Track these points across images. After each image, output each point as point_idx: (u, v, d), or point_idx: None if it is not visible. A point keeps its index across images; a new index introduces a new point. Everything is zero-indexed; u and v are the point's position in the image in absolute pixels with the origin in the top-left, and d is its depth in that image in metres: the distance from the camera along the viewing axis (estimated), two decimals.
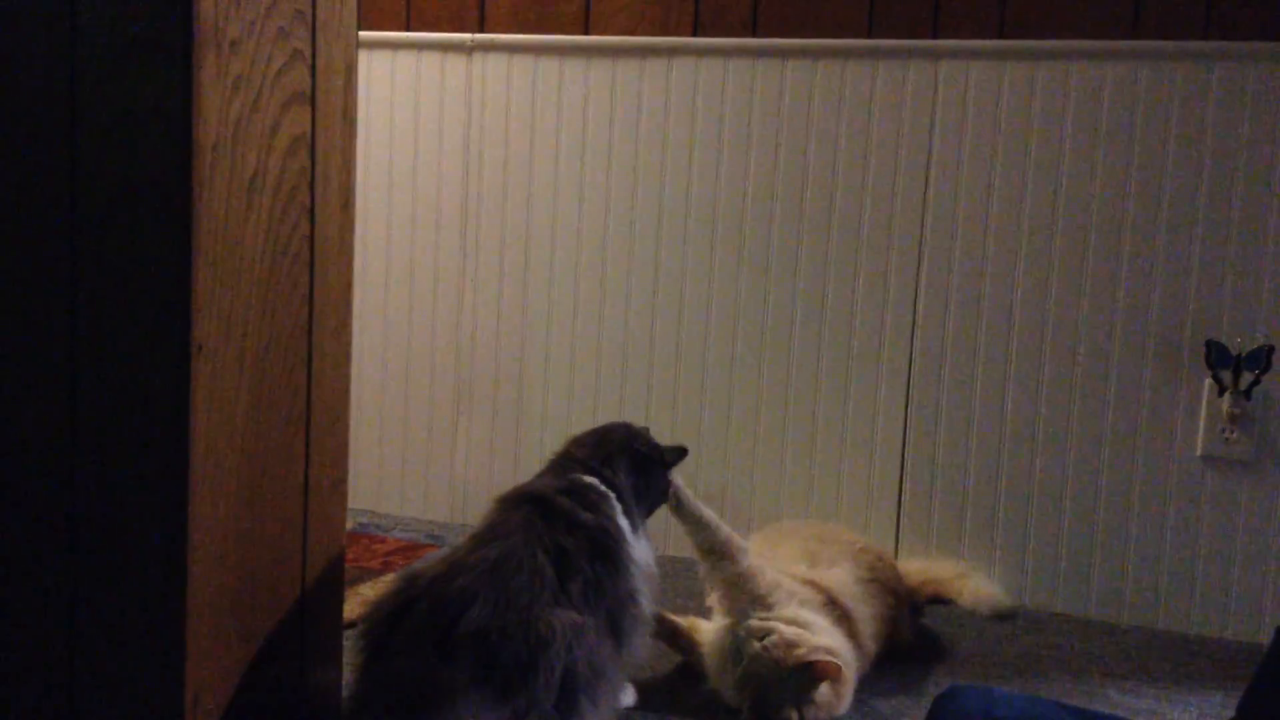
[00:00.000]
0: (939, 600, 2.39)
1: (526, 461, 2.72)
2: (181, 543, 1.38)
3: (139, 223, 1.39)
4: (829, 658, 1.79)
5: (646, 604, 1.69)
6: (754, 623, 1.84)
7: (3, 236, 1.45)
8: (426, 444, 2.80)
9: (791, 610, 1.89)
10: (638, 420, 2.62)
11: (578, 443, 1.86)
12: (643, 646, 1.72)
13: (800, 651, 1.78)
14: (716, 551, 1.90)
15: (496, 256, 2.72)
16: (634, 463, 1.82)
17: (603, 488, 1.75)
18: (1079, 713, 0.91)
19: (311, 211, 1.59)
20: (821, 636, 1.83)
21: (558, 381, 2.69)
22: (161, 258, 1.38)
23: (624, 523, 1.73)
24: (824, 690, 1.79)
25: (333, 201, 1.64)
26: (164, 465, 1.39)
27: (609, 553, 1.64)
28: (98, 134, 1.40)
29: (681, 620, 2.02)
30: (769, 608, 1.87)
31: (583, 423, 2.67)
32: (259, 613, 1.55)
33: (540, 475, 1.80)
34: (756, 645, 1.80)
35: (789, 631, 1.81)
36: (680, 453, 1.88)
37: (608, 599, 1.60)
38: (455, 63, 2.72)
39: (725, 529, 1.93)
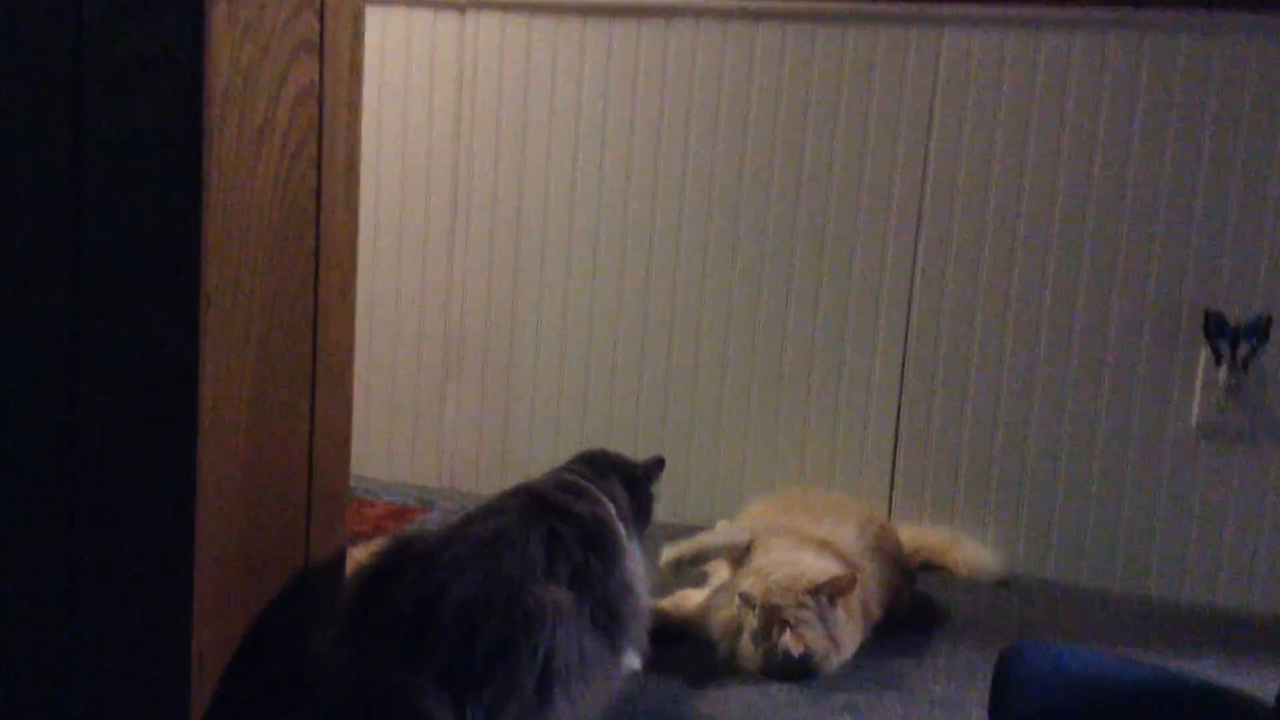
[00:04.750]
0: (931, 567, 2.39)
1: (516, 425, 2.69)
2: (190, 501, 1.35)
3: (147, 171, 1.35)
4: (839, 571, 1.86)
5: (645, 594, 1.67)
6: (746, 587, 1.87)
7: (4, 186, 1.40)
8: (414, 408, 2.76)
9: (785, 554, 1.94)
10: (630, 387, 2.61)
11: (564, 466, 1.82)
12: (642, 636, 1.70)
13: (807, 578, 1.84)
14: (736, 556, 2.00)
15: (487, 220, 2.68)
16: (624, 480, 1.80)
17: (597, 492, 1.73)
18: (1141, 666, 0.91)
19: (319, 164, 1.56)
20: (817, 564, 1.90)
21: (549, 346, 2.66)
22: (171, 207, 1.34)
23: (620, 526, 1.71)
24: (842, 612, 1.83)
25: (339, 155, 1.60)
26: (172, 421, 1.35)
27: (603, 543, 1.62)
28: (104, 80, 1.35)
29: (667, 602, 2.01)
30: (766, 554, 1.94)
31: (574, 388, 2.66)
32: (263, 575, 1.53)
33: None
34: (760, 589, 1.84)
35: (788, 568, 1.88)
36: (658, 465, 1.86)
37: (599, 589, 1.57)
38: (447, 22, 2.66)
39: (732, 535, 2.03)
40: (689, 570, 1.99)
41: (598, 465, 1.81)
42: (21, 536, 1.42)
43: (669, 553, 2.00)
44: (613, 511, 1.71)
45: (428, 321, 2.74)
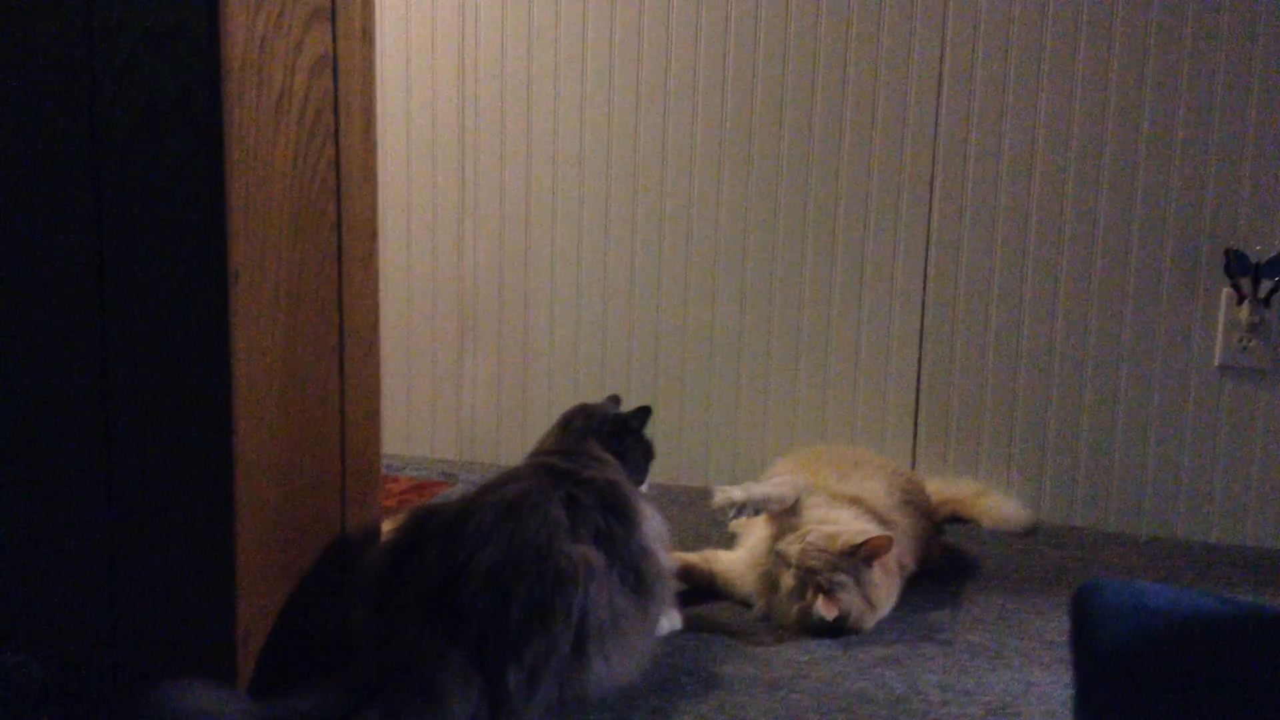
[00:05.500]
0: (957, 519, 2.39)
1: (534, 395, 2.69)
2: (229, 476, 1.34)
3: (167, 147, 1.33)
4: (875, 533, 1.85)
5: (664, 555, 1.66)
6: (783, 545, 1.86)
7: (22, 166, 1.38)
8: (431, 381, 2.75)
9: (821, 512, 1.93)
10: (647, 349, 2.59)
11: (544, 443, 1.80)
12: (669, 597, 1.70)
13: (843, 538, 1.83)
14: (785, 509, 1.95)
15: (496, 185, 2.66)
16: (605, 440, 1.77)
17: (605, 458, 1.72)
18: (1220, 599, 0.91)
19: (336, 135, 1.54)
20: (855, 524, 1.90)
21: (564, 311, 2.65)
22: (193, 182, 1.33)
23: (632, 488, 1.70)
24: (878, 571, 1.83)
25: (356, 124, 1.59)
26: (206, 398, 1.34)
27: (620, 505, 1.62)
28: (118, 55, 1.33)
29: (693, 556, 2.01)
30: (800, 512, 1.92)
31: (591, 354, 2.65)
32: (302, 548, 1.52)
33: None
34: (796, 550, 1.83)
35: (824, 527, 1.86)
36: (644, 414, 1.81)
37: (622, 551, 1.57)
38: None
39: (782, 488, 1.96)
40: (746, 515, 1.93)
41: (576, 431, 1.78)
42: (62, 517, 1.41)
43: (722, 496, 1.91)
44: (623, 475, 1.71)
45: (440, 294, 2.73)
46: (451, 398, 2.75)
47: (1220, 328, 2.28)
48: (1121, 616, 0.87)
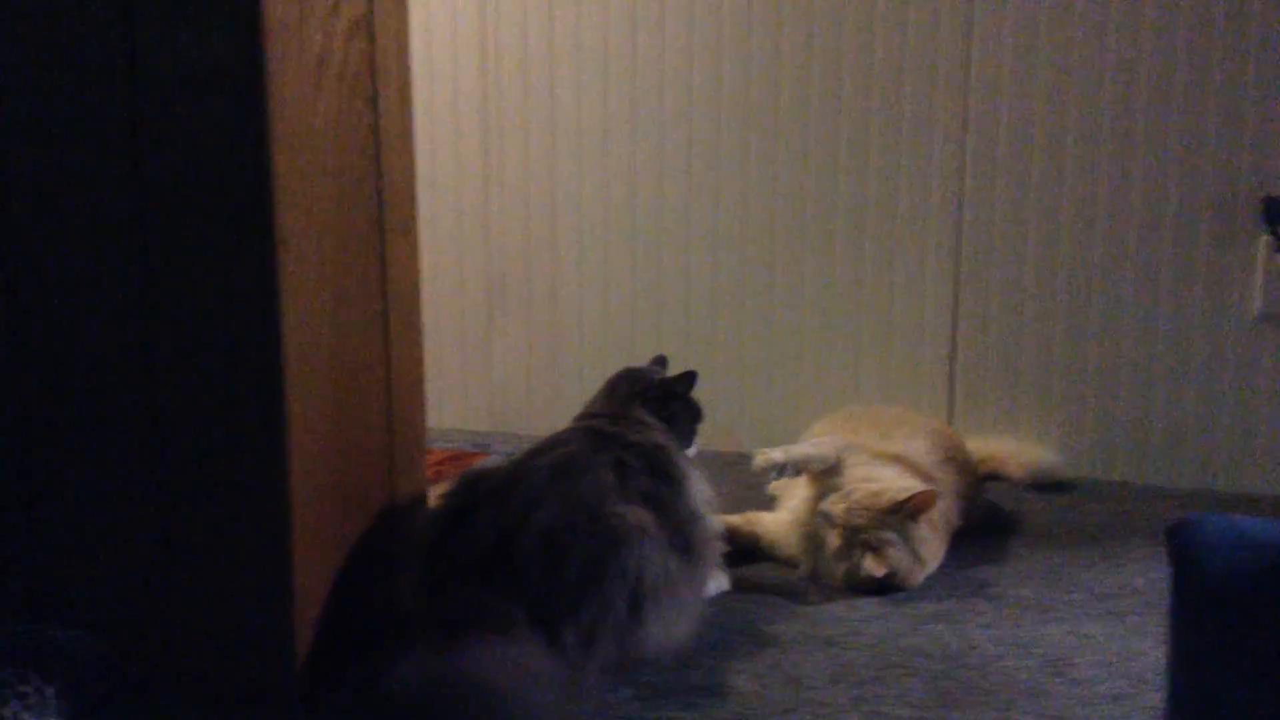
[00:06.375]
0: (996, 477, 2.38)
1: (565, 363, 2.67)
2: (281, 445, 1.33)
3: (209, 113, 1.31)
4: (920, 488, 1.84)
5: (711, 517, 1.65)
6: (827, 505, 1.85)
7: (62, 137, 1.36)
8: (460, 353, 2.74)
9: (863, 470, 1.92)
10: (677, 314, 2.58)
11: (590, 407, 1.79)
12: (716, 558, 1.69)
13: (888, 495, 1.83)
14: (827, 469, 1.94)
15: (521, 151, 2.64)
16: (651, 404, 1.76)
17: (647, 417, 1.71)
18: None
19: (374, 99, 1.52)
20: (899, 481, 1.89)
21: (593, 278, 2.63)
22: (237, 149, 1.31)
23: (677, 452, 1.70)
24: (924, 527, 1.82)
25: (393, 89, 1.57)
26: (257, 368, 1.33)
27: (667, 469, 1.61)
28: (156, 21, 1.31)
29: (735, 518, 2.00)
30: (842, 471, 1.92)
31: (621, 320, 2.63)
32: (352, 516, 1.51)
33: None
34: (841, 508, 1.83)
35: (868, 485, 1.86)
36: (689, 379, 1.80)
37: (670, 513, 1.57)
38: None
39: (823, 448, 1.95)
40: (788, 476, 1.92)
41: (621, 396, 1.77)
42: (114, 490, 1.40)
43: (762, 458, 1.91)
44: (669, 438, 1.70)
45: (467, 263, 2.71)
46: (481, 368, 2.74)
47: (1259, 277, 2.26)
48: (1226, 549, 0.85)
